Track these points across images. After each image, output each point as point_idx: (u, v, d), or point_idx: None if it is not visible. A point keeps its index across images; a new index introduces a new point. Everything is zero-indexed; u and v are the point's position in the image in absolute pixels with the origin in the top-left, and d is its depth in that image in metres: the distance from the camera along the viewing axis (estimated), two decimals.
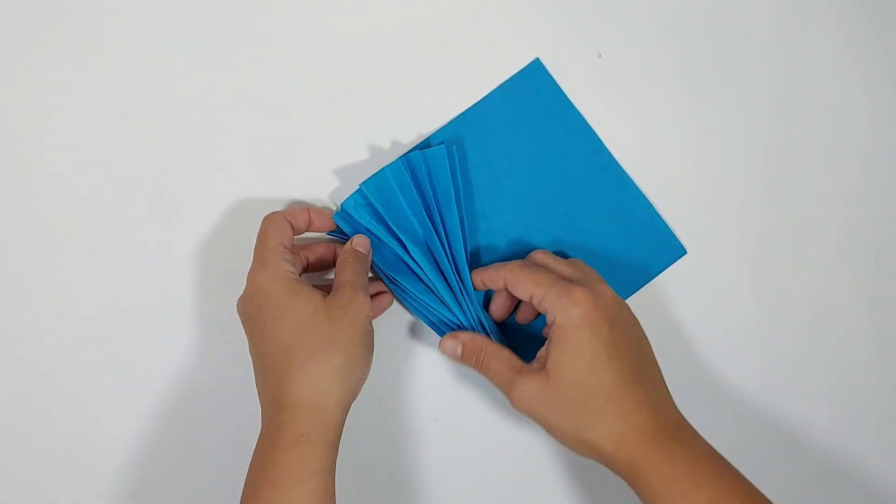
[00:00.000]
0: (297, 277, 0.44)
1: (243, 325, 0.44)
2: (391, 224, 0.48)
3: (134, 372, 0.49)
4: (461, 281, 0.48)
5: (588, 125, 0.53)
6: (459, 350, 0.47)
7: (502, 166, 0.52)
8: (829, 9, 0.56)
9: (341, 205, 0.49)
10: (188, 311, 0.50)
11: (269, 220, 0.46)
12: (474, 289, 0.48)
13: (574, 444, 0.43)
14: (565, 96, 0.53)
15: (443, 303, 0.48)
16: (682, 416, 0.44)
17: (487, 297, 0.51)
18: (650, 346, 0.45)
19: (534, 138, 0.52)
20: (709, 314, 0.53)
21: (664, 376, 0.45)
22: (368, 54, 0.53)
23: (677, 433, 0.42)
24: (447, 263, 0.48)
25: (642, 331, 0.46)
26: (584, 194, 0.52)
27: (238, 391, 0.49)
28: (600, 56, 0.54)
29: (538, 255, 0.48)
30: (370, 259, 0.48)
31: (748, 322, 0.54)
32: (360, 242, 0.47)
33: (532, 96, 0.53)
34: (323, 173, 0.52)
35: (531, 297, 0.44)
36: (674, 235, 0.53)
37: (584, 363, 0.42)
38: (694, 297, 0.53)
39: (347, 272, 0.45)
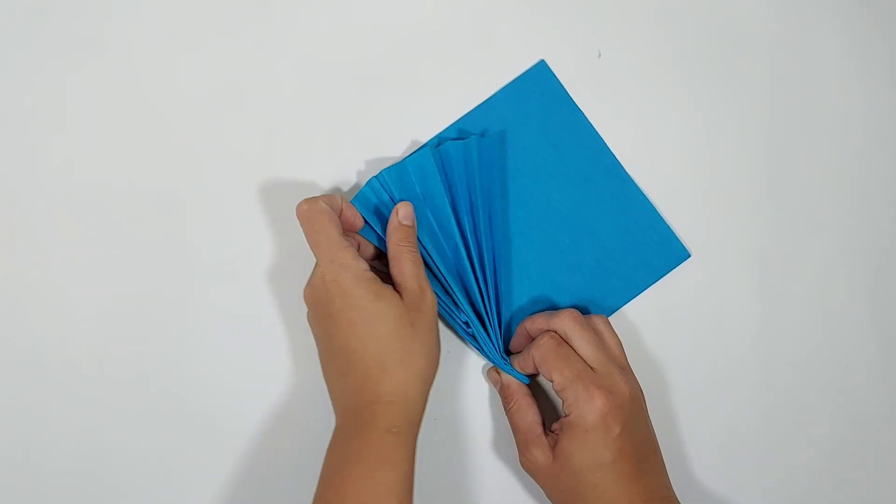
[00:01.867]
0: (375, 276, 0.45)
1: (318, 319, 0.45)
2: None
3: (138, 368, 0.50)
4: (486, 283, 0.49)
5: (592, 127, 0.53)
6: (499, 387, 0.50)
7: (506, 167, 0.52)
8: (829, 9, 0.56)
9: (363, 187, 0.49)
10: (194, 307, 0.50)
11: (316, 209, 0.45)
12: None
13: None
14: (570, 98, 0.53)
15: (456, 304, 0.49)
16: (672, 497, 0.46)
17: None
18: (654, 434, 0.47)
19: (537, 140, 0.52)
20: (710, 315, 0.54)
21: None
22: (371, 55, 0.53)
23: None
24: (467, 263, 0.48)
25: (649, 420, 0.47)
26: (587, 196, 0.52)
27: (246, 383, 0.50)
28: (600, 56, 0.54)
29: (565, 322, 0.47)
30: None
31: (750, 323, 0.54)
32: (405, 214, 0.47)
33: (536, 98, 0.53)
34: (328, 175, 0.52)
35: (552, 383, 0.46)
36: (677, 239, 0.53)
37: (588, 462, 0.44)
38: (695, 298, 0.53)
39: (407, 264, 0.46)
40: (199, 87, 0.52)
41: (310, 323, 0.47)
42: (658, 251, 0.53)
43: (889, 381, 0.54)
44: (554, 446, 0.46)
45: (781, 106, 0.55)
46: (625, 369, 0.47)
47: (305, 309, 0.50)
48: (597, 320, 0.48)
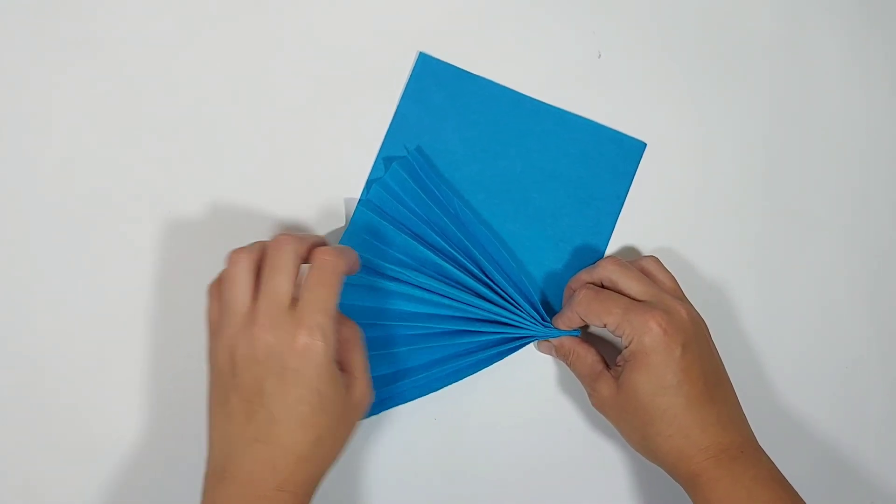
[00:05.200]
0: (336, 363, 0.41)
1: (251, 368, 0.39)
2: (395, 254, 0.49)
3: (126, 372, 0.50)
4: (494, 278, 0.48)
5: (497, 84, 0.53)
6: (554, 351, 0.50)
7: (446, 164, 0.52)
8: (828, 9, 0.56)
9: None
10: (183, 311, 0.50)
11: (331, 270, 0.40)
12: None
13: (638, 449, 0.46)
14: (466, 72, 0.53)
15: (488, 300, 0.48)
16: (751, 436, 0.45)
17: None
18: (723, 364, 0.46)
19: (461, 124, 0.52)
20: (710, 315, 0.52)
21: None
22: (368, 56, 0.53)
23: (741, 453, 0.43)
24: (467, 277, 0.48)
25: (715, 349, 0.46)
26: (531, 146, 0.53)
27: None
28: (600, 56, 0.54)
29: (607, 268, 0.47)
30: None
31: (750, 323, 0.53)
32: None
33: (437, 88, 0.53)
34: (328, 175, 0.52)
35: (605, 326, 0.45)
36: (627, 136, 0.53)
37: (653, 388, 0.43)
38: (695, 298, 0.52)
39: (359, 353, 0.43)
40: (193, 87, 0.52)
41: (225, 353, 0.41)
42: (617, 156, 0.53)
43: (889, 381, 0.53)
44: (618, 378, 0.45)
45: (781, 105, 0.55)
46: (681, 299, 0.46)
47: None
48: (646, 261, 0.48)
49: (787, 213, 0.54)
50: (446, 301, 0.48)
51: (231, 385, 0.40)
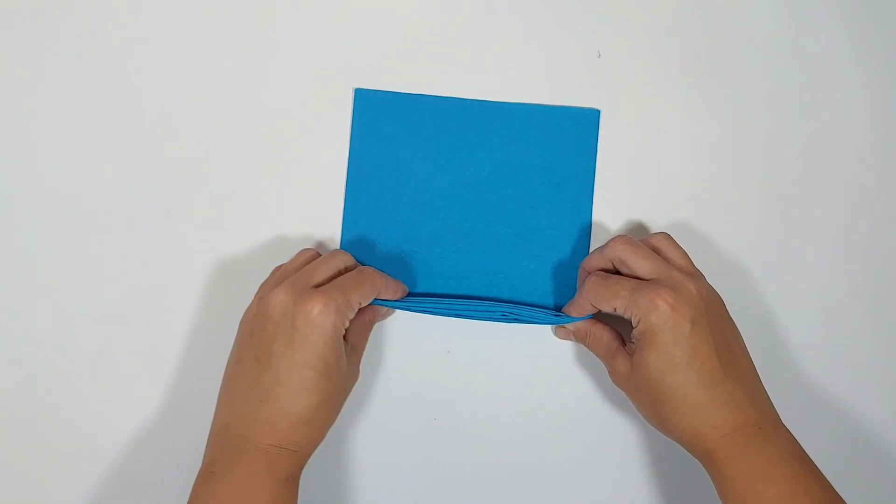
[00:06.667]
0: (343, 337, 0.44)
1: (266, 327, 0.43)
2: None
3: (135, 370, 0.51)
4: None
5: (439, 97, 0.53)
6: (572, 336, 0.51)
7: (415, 186, 0.53)
8: (828, 9, 0.55)
9: None
10: (188, 309, 0.51)
11: (371, 277, 0.46)
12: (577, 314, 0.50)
13: (655, 426, 0.46)
14: (403, 94, 0.53)
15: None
16: (772, 413, 0.44)
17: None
18: (740, 339, 0.45)
19: (415, 143, 0.53)
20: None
21: None
22: (368, 52, 0.54)
23: (758, 430, 0.42)
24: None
25: (732, 324, 0.46)
26: (490, 145, 0.53)
27: None
28: (600, 55, 0.54)
29: (616, 247, 0.47)
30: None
31: (750, 324, 0.51)
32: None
33: (383, 117, 0.53)
34: (327, 173, 0.53)
35: (614, 310, 0.45)
36: (576, 108, 0.53)
37: (663, 366, 0.43)
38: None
39: (367, 335, 0.49)
40: (200, 85, 0.53)
41: (254, 328, 0.44)
42: (575, 131, 0.53)
43: (889, 381, 0.53)
44: (632, 356, 0.45)
45: (781, 105, 0.54)
46: (692, 275, 0.46)
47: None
48: (656, 238, 0.48)
49: (785, 210, 0.54)
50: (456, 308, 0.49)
51: (247, 344, 0.44)
